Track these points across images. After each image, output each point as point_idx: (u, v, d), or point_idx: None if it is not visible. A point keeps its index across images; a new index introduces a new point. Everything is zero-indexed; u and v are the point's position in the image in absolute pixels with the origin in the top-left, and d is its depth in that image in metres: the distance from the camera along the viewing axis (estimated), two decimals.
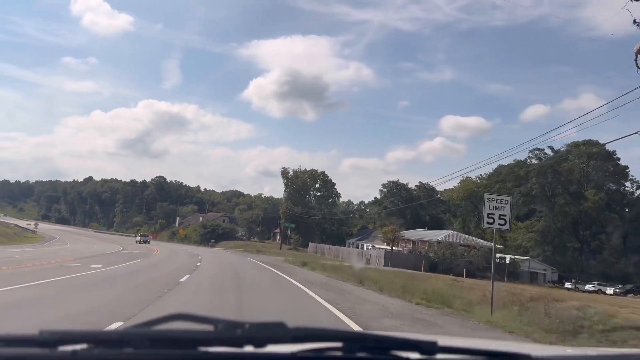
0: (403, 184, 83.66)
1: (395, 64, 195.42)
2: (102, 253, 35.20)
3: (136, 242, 66.84)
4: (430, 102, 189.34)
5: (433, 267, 39.58)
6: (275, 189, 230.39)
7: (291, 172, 75.53)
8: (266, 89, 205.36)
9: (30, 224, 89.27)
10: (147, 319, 1.32)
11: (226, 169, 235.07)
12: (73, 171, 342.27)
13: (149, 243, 66.72)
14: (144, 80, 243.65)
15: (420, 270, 37.16)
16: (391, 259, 41.16)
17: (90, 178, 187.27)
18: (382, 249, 48.77)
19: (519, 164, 69.44)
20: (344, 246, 69.90)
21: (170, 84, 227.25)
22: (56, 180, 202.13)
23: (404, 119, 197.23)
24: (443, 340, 1.43)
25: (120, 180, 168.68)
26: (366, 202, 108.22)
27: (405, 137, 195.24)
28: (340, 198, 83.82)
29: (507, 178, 68.70)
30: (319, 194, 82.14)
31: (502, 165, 73.54)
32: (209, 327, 1.23)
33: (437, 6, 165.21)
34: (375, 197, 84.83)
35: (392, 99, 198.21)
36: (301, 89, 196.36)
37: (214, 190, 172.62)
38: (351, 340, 1.32)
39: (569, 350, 2.39)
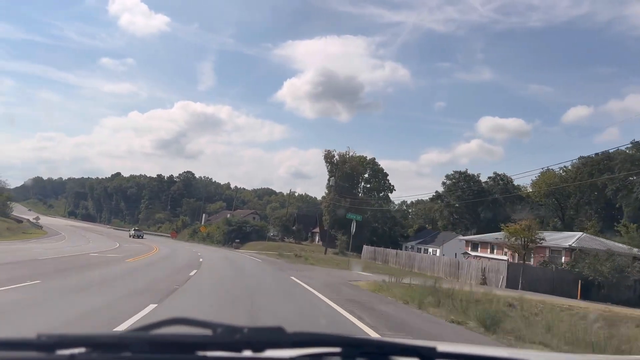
0: (472, 175, 67.88)
1: (430, 65, 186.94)
2: (58, 256, 23.61)
3: (129, 237, 66.02)
4: (466, 104, 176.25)
5: (585, 290, 24.29)
6: (308, 190, 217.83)
7: (337, 157, 60.36)
8: (300, 90, 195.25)
9: (36, 218, 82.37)
10: None
11: (258, 171, 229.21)
12: (110, 171, 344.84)
13: (142, 237, 65.89)
14: (180, 82, 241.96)
15: (576, 297, 22.30)
16: (522, 276, 25.43)
17: (118, 174, 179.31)
18: (482, 257, 33.94)
19: (636, 146, 53.08)
20: (400, 250, 54.90)
21: (205, 86, 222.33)
22: (88, 177, 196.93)
23: (439, 121, 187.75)
24: (442, 346, 1.42)
25: (147, 176, 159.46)
26: (408, 202, 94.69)
27: (440, 138, 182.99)
28: (393, 192, 67.92)
29: (623, 167, 52.50)
30: (368, 185, 66.65)
31: (592, 155, 58.21)
32: (207, 332, 1.22)
33: (472, 7, 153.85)
34: (436, 191, 69.32)
35: (427, 100, 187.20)
36: (335, 90, 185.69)
37: (244, 188, 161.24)
38: (351, 345, 1.30)
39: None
